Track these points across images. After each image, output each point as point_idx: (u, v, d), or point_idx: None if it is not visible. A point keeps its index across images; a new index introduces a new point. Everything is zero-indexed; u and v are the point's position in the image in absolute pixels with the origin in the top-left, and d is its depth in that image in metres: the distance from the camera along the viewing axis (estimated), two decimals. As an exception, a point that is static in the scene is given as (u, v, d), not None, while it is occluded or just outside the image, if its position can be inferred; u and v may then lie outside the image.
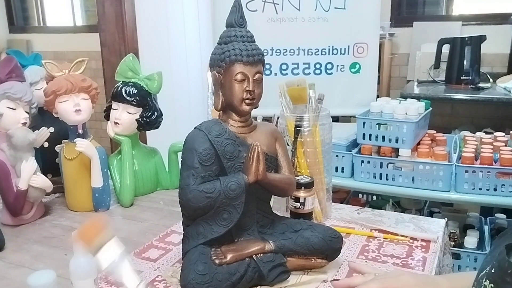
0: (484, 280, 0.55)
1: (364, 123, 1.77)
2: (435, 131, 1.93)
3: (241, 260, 0.80)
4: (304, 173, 1.05)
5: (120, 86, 1.21)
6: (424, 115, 1.79)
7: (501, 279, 0.52)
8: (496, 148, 1.69)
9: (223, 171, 0.81)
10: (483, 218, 2.02)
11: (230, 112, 0.85)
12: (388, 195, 2.02)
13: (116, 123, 1.22)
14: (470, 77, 2.61)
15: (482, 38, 2.62)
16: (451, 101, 2.74)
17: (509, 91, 2.44)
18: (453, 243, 1.84)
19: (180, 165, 0.85)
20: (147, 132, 1.33)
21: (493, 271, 0.54)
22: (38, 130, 1.15)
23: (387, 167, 1.73)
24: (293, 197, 0.99)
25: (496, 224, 2.00)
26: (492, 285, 0.53)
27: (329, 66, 2.30)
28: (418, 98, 2.04)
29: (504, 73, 2.83)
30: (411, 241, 1.00)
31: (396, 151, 1.75)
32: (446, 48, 2.65)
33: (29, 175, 1.07)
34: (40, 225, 1.13)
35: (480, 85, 2.57)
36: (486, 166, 1.60)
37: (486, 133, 1.95)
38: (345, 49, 2.29)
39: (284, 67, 2.31)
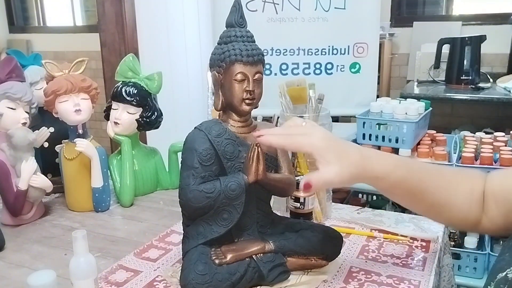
0: (505, 286, 0.53)
1: (364, 123, 1.77)
2: (435, 131, 1.93)
3: (241, 260, 0.80)
4: (304, 173, 1.05)
5: (120, 86, 1.21)
6: (424, 115, 1.79)
7: None
8: (496, 148, 1.69)
9: (223, 171, 0.81)
10: (483, 218, 2.02)
11: (230, 112, 0.85)
12: (388, 195, 2.01)
13: (116, 123, 1.22)
14: (470, 77, 2.61)
15: (482, 38, 2.62)
16: (451, 101, 2.74)
17: (509, 91, 2.44)
18: (453, 243, 1.84)
19: (180, 165, 0.85)
20: (147, 132, 1.33)
21: None
22: (38, 130, 1.15)
23: (387, 167, 1.72)
24: (293, 197, 0.99)
25: (496, 224, 2.00)
26: None
27: (329, 66, 2.31)
28: (418, 98, 2.04)
29: (504, 73, 2.83)
30: (411, 241, 1.00)
31: (396, 151, 1.75)
32: (446, 48, 2.66)
33: (29, 175, 1.07)
34: (40, 225, 1.12)
35: (480, 85, 2.57)
36: (486, 166, 1.60)
37: (486, 133, 1.95)
38: (345, 49, 2.29)
39: (284, 67, 2.31)
